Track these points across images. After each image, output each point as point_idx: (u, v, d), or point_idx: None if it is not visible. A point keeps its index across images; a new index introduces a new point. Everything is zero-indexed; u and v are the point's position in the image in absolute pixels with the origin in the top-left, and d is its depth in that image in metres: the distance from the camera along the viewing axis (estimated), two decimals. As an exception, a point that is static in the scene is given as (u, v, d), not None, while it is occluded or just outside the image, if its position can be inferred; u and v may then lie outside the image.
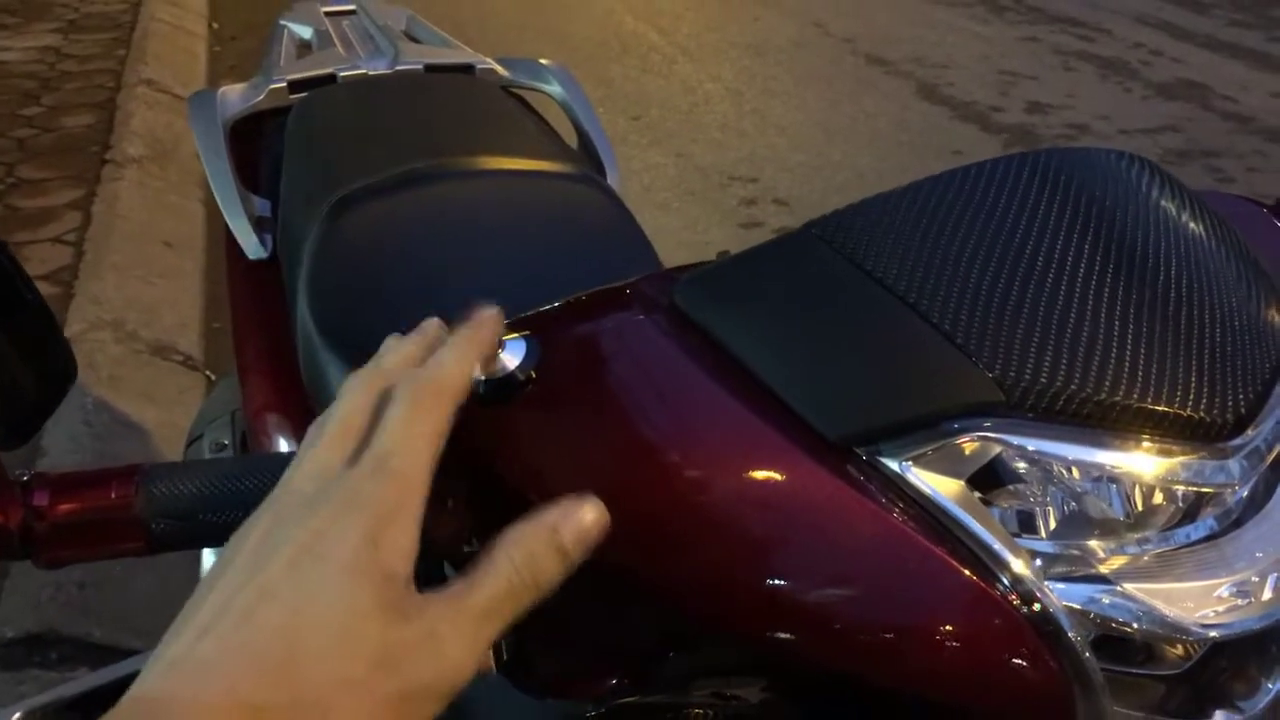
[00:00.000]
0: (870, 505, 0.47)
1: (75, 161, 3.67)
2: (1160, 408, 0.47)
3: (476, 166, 1.24)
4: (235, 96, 1.41)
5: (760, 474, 0.47)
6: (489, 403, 0.50)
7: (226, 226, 1.31)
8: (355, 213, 1.17)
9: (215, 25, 5.56)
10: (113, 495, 0.55)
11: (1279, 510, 0.51)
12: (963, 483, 0.47)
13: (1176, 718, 0.50)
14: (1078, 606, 0.47)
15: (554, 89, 1.53)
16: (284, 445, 1.23)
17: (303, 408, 1.18)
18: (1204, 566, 0.49)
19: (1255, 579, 0.49)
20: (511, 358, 0.50)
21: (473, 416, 0.48)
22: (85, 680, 0.60)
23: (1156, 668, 0.51)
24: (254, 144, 1.43)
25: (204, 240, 3.39)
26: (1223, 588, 0.48)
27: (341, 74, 1.44)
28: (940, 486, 0.46)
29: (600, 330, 0.55)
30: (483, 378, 0.50)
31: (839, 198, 2.55)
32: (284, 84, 1.41)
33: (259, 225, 1.31)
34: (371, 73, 1.46)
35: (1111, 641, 0.49)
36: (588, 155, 1.47)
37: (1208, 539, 0.49)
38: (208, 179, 1.33)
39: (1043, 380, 0.47)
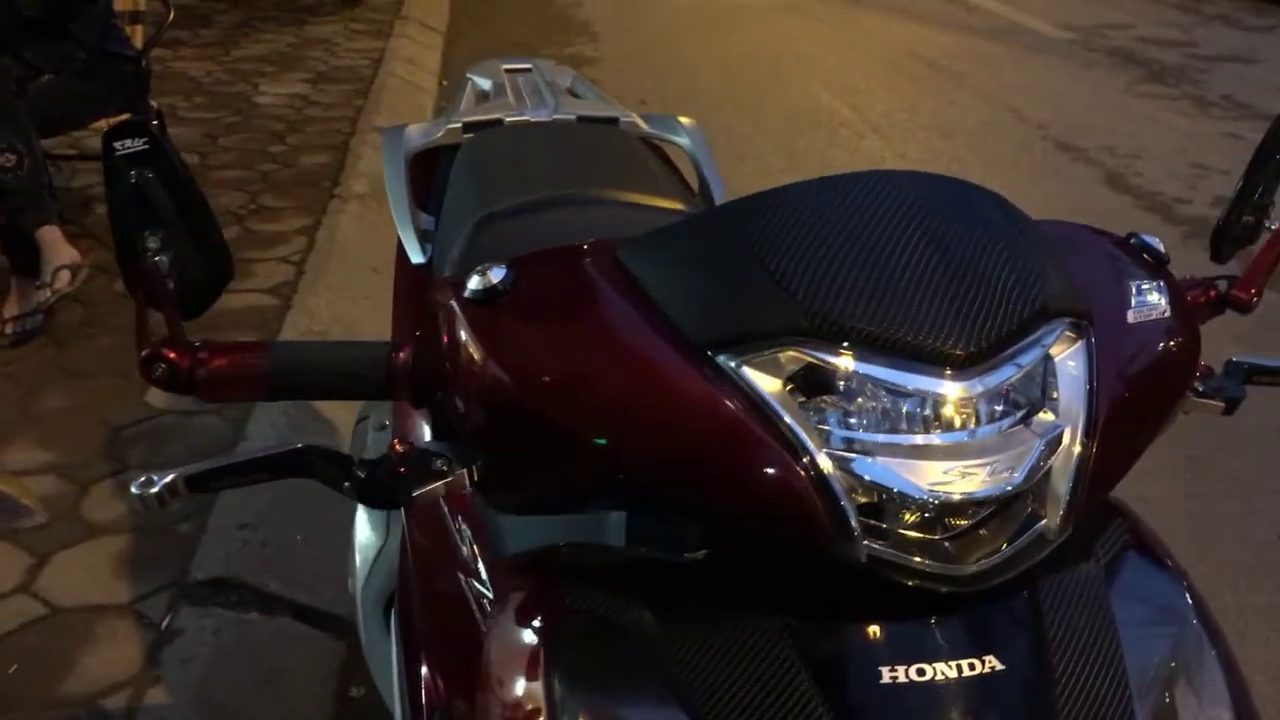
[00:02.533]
0: (715, 389, 0.69)
1: (308, 194, 4.15)
2: (924, 341, 0.67)
3: (601, 197, 1.49)
4: (418, 132, 1.71)
5: (651, 366, 0.71)
6: (478, 302, 0.75)
7: (399, 236, 1.61)
8: (495, 227, 1.44)
9: (445, 83, 6.09)
10: (250, 358, 0.81)
11: (1007, 423, 0.71)
12: (779, 380, 0.68)
13: (929, 558, 0.69)
14: (847, 469, 0.68)
15: (684, 141, 1.78)
16: (427, 428, 1.50)
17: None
18: (945, 455, 0.68)
19: (976, 466, 0.68)
20: (495, 275, 0.75)
21: (465, 310, 0.73)
22: (238, 453, 0.83)
23: (908, 527, 0.70)
24: (432, 172, 1.72)
25: (408, 271, 3.78)
26: (953, 469, 0.68)
27: (508, 119, 1.73)
28: (762, 382, 0.68)
29: (559, 268, 0.79)
30: (477, 285, 0.74)
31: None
32: (459, 125, 1.71)
33: (423, 236, 1.59)
34: (533, 120, 1.74)
35: (880, 506, 0.69)
36: (704, 198, 1.71)
37: (955, 437, 0.69)
38: (388, 198, 1.62)
39: (839, 315, 0.68)
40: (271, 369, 0.83)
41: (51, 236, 2.98)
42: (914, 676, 0.69)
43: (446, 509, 1.34)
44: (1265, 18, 8.16)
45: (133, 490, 0.78)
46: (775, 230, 0.74)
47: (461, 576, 1.29)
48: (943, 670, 0.69)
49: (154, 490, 0.78)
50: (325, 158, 4.54)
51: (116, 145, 0.82)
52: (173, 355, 0.81)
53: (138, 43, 3.56)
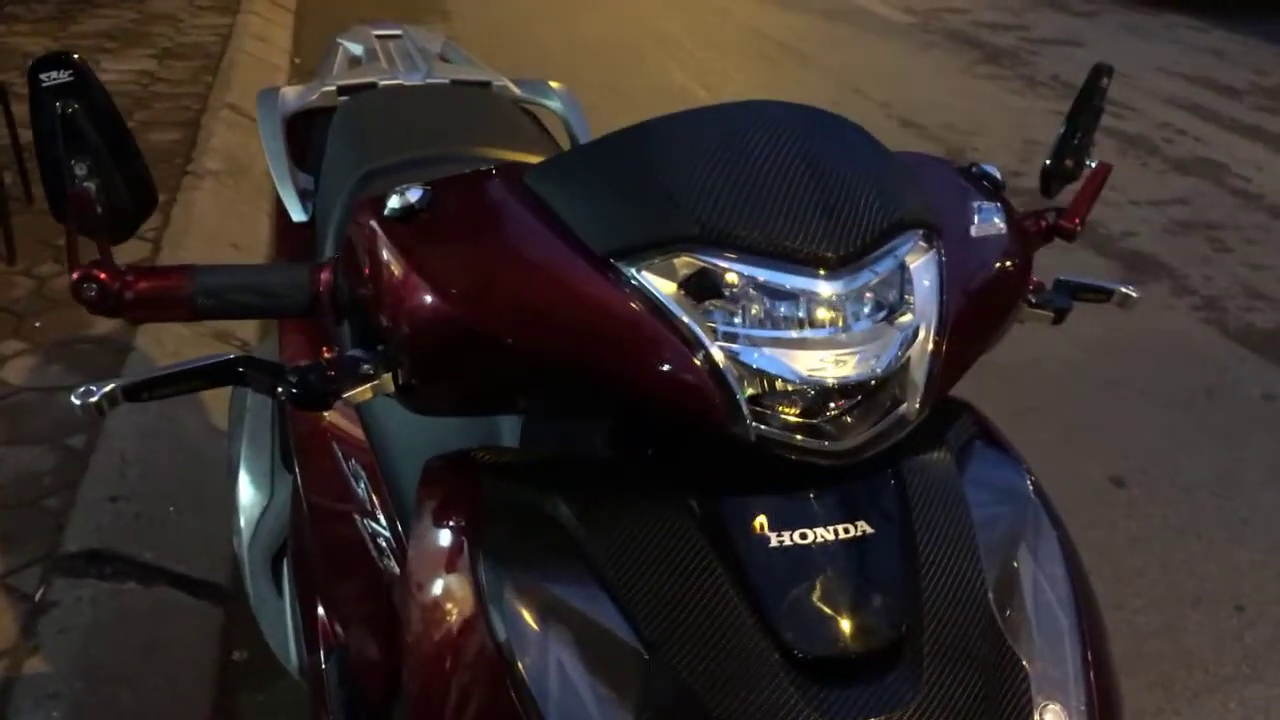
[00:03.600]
0: (618, 293, 0.78)
1: (160, 171, 4.06)
2: (799, 246, 0.77)
3: (478, 155, 1.55)
4: (293, 95, 1.74)
5: (558, 274, 0.79)
6: (396, 221, 0.81)
7: (277, 195, 1.63)
8: (376, 184, 1.49)
9: (297, 60, 6.00)
10: (174, 280, 0.86)
11: (871, 321, 0.81)
12: (675, 284, 0.77)
13: (808, 437, 0.78)
14: (737, 359, 0.77)
15: (556, 105, 1.85)
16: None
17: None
18: (820, 347, 0.78)
19: (847, 356, 0.78)
20: (413, 195, 0.81)
21: (385, 229, 0.79)
22: (173, 364, 0.86)
23: (789, 413, 0.80)
24: (306, 134, 1.75)
25: (267, 247, 3.74)
26: (827, 358, 0.77)
27: (382, 83, 1.77)
28: (660, 285, 0.77)
29: (472, 189, 0.86)
30: (396, 205, 0.80)
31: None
32: (334, 88, 1.75)
33: (303, 195, 1.63)
34: (406, 83, 1.78)
35: (764, 396, 0.78)
36: None
37: (830, 332, 0.79)
38: (266, 158, 1.65)
39: (725, 224, 0.77)
40: (196, 290, 0.87)
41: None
42: (797, 540, 0.79)
43: (340, 453, 1.39)
44: (1090, 3, 8.63)
45: (73, 400, 0.82)
46: (666, 151, 0.82)
47: (357, 518, 1.34)
48: (822, 534, 0.79)
49: (94, 399, 0.82)
50: (176, 134, 4.45)
51: (43, 77, 0.85)
52: (103, 277, 0.85)
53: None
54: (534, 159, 1.58)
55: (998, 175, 1.02)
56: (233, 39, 5.87)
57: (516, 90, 1.85)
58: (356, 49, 1.94)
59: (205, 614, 2.19)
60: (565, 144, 1.83)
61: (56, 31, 5.85)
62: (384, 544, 1.30)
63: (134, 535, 2.26)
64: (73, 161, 0.85)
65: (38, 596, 2.06)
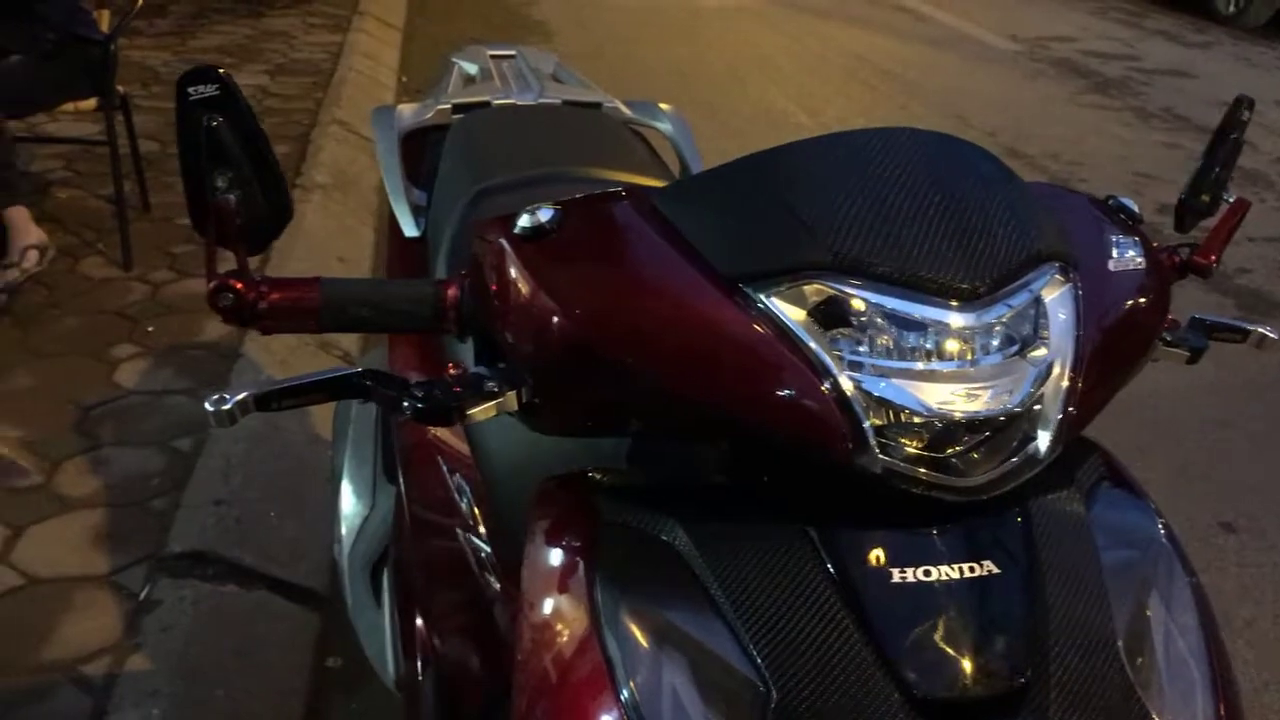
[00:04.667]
0: (746, 318, 0.76)
1: (269, 183, 4.16)
2: (932, 276, 0.75)
3: (589, 175, 1.56)
4: (409, 113, 1.77)
5: (686, 297, 0.78)
6: (527, 240, 0.81)
7: (390, 210, 1.66)
8: (489, 201, 1.50)
9: (404, 79, 6.11)
10: (304, 293, 0.87)
11: (1004, 354, 0.78)
12: (805, 312, 0.75)
13: (935, 472, 0.76)
14: (865, 389, 0.75)
15: (666, 127, 1.86)
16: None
17: (442, 367, 1.50)
18: (949, 380, 0.76)
19: (979, 390, 0.76)
20: (544, 215, 0.81)
21: (515, 247, 0.80)
22: (302, 376, 0.88)
23: (915, 445, 0.78)
24: (420, 151, 1.78)
25: (371, 261, 3.81)
26: (959, 391, 0.75)
27: (495, 102, 1.79)
28: (789, 312, 0.76)
29: (601, 210, 0.86)
30: (526, 224, 0.81)
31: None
32: (448, 106, 1.77)
33: (415, 211, 1.65)
34: (519, 103, 1.80)
35: (890, 428, 0.76)
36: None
37: (960, 365, 0.77)
38: (381, 173, 1.68)
39: (857, 252, 0.75)
40: (324, 303, 0.88)
41: (20, 216, 2.99)
42: (920, 577, 0.76)
43: (445, 467, 1.40)
44: (1204, 34, 8.42)
45: (206, 406, 0.84)
46: (798, 177, 0.81)
47: (459, 532, 1.35)
48: (946, 572, 0.77)
49: (226, 407, 0.83)
50: (286, 148, 4.55)
51: (190, 90, 0.87)
52: (239, 287, 0.87)
53: (104, 27, 3.56)
54: (644, 180, 1.58)
55: (1135, 209, 0.99)
56: (343, 57, 6.00)
57: (627, 111, 1.86)
58: (471, 68, 1.97)
59: (301, 619, 2.22)
60: (674, 166, 1.83)
61: (175, 46, 6.04)
62: (485, 559, 1.30)
63: (235, 538, 2.31)
64: (215, 173, 0.87)
65: (142, 595, 2.11)
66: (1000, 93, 6.47)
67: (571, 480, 0.90)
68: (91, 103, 3.42)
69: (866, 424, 0.75)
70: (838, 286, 0.76)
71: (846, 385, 0.75)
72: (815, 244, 0.76)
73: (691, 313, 0.77)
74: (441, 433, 1.42)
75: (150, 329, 3.09)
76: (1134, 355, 0.91)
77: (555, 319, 0.79)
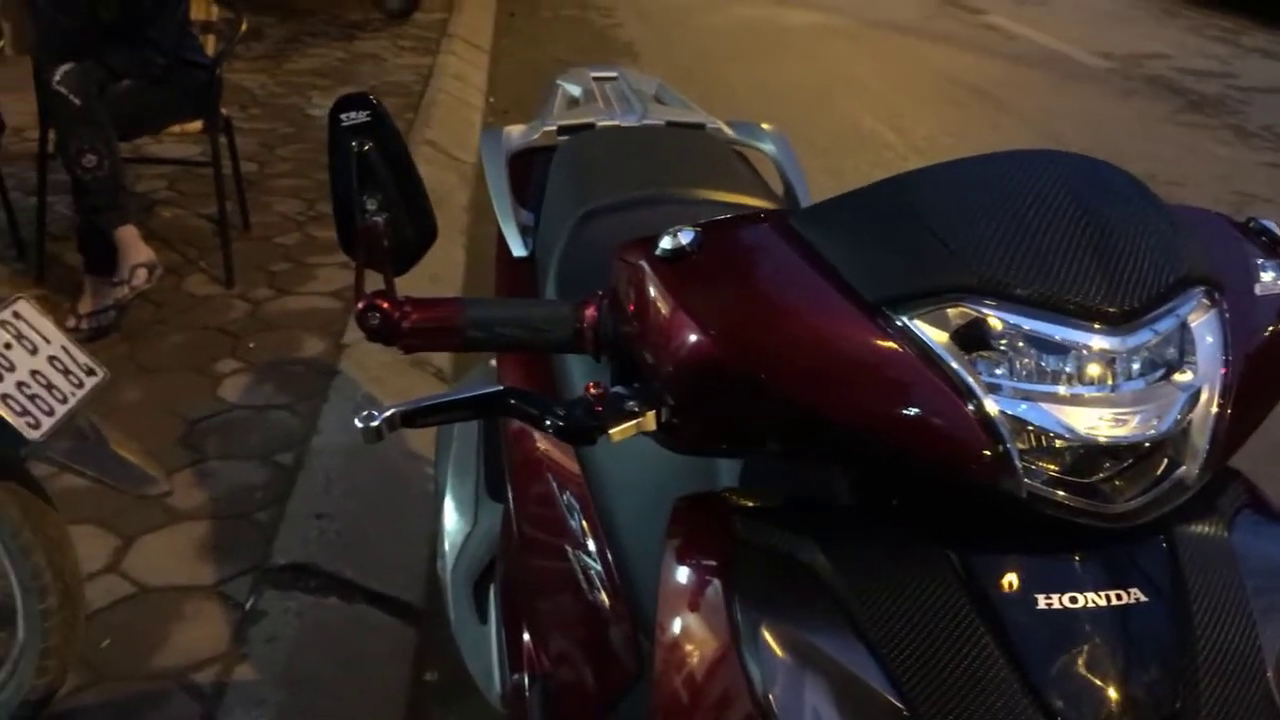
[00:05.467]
0: (887, 340, 0.76)
1: (364, 203, 4.24)
2: (1077, 300, 0.74)
3: (695, 196, 1.57)
4: (516, 135, 1.79)
5: (828, 319, 0.78)
6: (667, 261, 0.82)
7: (499, 229, 1.68)
8: (598, 222, 1.52)
9: (491, 100, 6.20)
10: (446, 312, 0.89)
11: (1151, 378, 0.78)
12: (947, 334, 0.75)
13: (1081, 496, 0.76)
14: (1009, 412, 0.74)
15: (769, 148, 1.86)
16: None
17: (549, 383, 1.51)
18: (1095, 405, 0.75)
19: (1127, 415, 0.75)
20: (685, 237, 0.82)
21: (655, 268, 0.80)
22: (446, 393, 0.90)
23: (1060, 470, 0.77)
24: (526, 172, 1.80)
25: (462, 280, 3.86)
26: (1106, 415, 0.74)
27: (600, 123, 1.81)
28: (931, 334, 0.75)
29: (742, 232, 0.86)
30: (668, 246, 0.82)
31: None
32: (554, 128, 1.79)
33: (523, 231, 1.67)
34: (623, 124, 1.82)
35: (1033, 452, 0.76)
36: (790, 201, 1.78)
37: (1103, 389, 0.76)
38: (490, 194, 1.71)
39: (1001, 275, 0.75)
40: (466, 322, 0.90)
41: (129, 235, 3.08)
42: (1066, 604, 0.75)
43: (554, 484, 1.41)
44: (1303, 50, 8.22)
45: (356, 423, 0.86)
46: (938, 200, 0.81)
47: (568, 549, 1.36)
48: (1092, 599, 0.76)
49: (374, 424, 0.85)
50: (380, 168, 4.64)
51: (342, 117, 0.90)
52: (385, 306, 0.89)
53: (209, 51, 3.67)
54: (749, 200, 1.58)
55: (1278, 230, 0.97)
56: (432, 79, 6.11)
57: (730, 132, 1.87)
58: (575, 90, 1.99)
59: (400, 633, 2.26)
60: (777, 186, 1.83)
61: (272, 69, 6.20)
62: (596, 577, 1.31)
63: (336, 551, 2.35)
64: (364, 196, 0.90)
65: (248, 605, 2.16)
66: (1093, 111, 6.36)
67: (705, 500, 0.90)
68: (197, 125, 3.52)
69: (1011, 446, 0.74)
70: (981, 309, 0.75)
71: (991, 407, 0.74)
72: (958, 266, 0.76)
73: (833, 334, 0.77)
74: (552, 450, 1.43)
75: (252, 345, 3.16)
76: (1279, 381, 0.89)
77: (694, 338, 0.79)
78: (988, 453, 0.74)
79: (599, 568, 1.32)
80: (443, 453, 1.98)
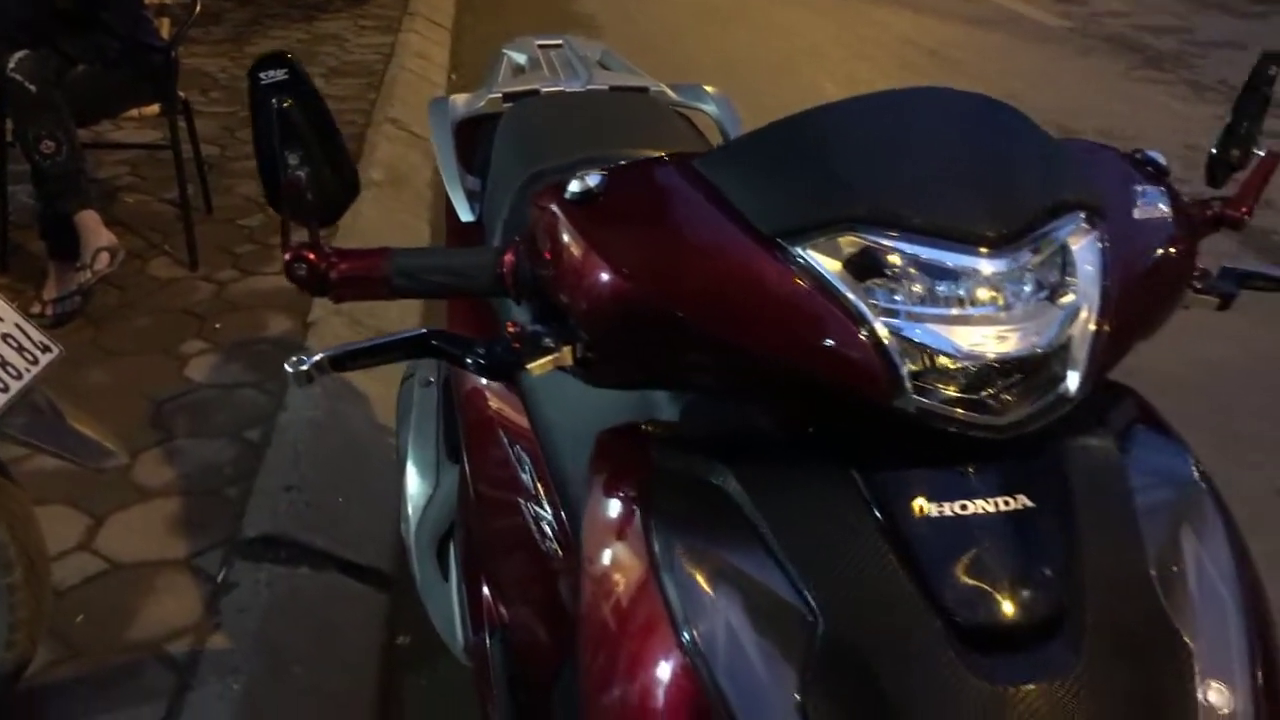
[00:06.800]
0: (785, 271, 0.81)
1: (327, 182, 4.26)
2: (961, 225, 0.79)
3: (636, 156, 1.60)
4: (462, 103, 1.83)
5: (728, 253, 0.83)
6: (577, 205, 0.86)
7: (447, 197, 1.72)
8: (541, 185, 1.55)
9: (454, 77, 6.20)
10: (373, 261, 0.93)
11: (1033, 299, 0.82)
12: (840, 263, 0.80)
13: (969, 411, 0.80)
14: (899, 334, 0.79)
15: (711, 109, 1.90)
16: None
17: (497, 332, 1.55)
18: (980, 323, 0.80)
19: (1008, 332, 0.79)
20: (592, 180, 0.86)
21: (566, 211, 0.85)
22: (374, 338, 0.94)
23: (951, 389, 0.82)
24: (473, 139, 1.84)
25: (427, 254, 3.88)
26: (990, 333, 0.79)
27: (544, 90, 1.84)
28: (825, 263, 0.80)
29: (647, 174, 0.91)
30: (576, 189, 0.86)
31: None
32: (500, 95, 1.83)
33: (471, 196, 1.70)
34: (568, 90, 1.85)
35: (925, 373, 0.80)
36: None
37: (989, 309, 0.80)
38: (437, 161, 1.74)
39: (889, 204, 0.80)
40: (392, 271, 0.94)
41: (90, 220, 3.09)
42: (958, 511, 0.81)
43: (506, 441, 1.45)
44: (1260, 4, 8.28)
45: (286, 368, 0.90)
46: (832, 136, 0.86)
47: (522, 503, 1.40)
48: (983, 505, 0.81)
49: (304, 368, 0.89)
50: (342, 148, 4.64)
51: (261, 75, 0.93)
52: (312, 258, 0.93)
53: (165, 34, 3.67)
54: None
55: (1162, 161, 1.02)
56: (394, 57, 6.10)
57: (673, 95, 1.90)
58: (520, 58, 2.02)
59: (371, 600, 2.30)
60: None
61: (232, 52, 6.17)
62: (547, 528, 1.35)
63: (306, 522, 2.39)
64: (286, 152, 0.93)
65: (220, 578, 2.19)
66: (1052, 70, 6.42)
67: (627, 432, 0.95)
68: (155, 108, 3.52)
69: (902, 367, 0.79)
70: (870, 238, 0.80)
71: (882, 331, 0.79)
72: (847, 197, 0.81)
73: (732, 267, 0.82)
74: (503, 408, 1.48)
75: (217, 326, 3.18)
76: (1160, 300, 0.94)
77: (604, 277, 0.84)
78: (881, 374, 0.79)
79: (550, 519, 1.36)
80: (403, 419, 2.02)
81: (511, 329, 0.91)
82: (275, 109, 0.93)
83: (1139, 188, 0.95)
